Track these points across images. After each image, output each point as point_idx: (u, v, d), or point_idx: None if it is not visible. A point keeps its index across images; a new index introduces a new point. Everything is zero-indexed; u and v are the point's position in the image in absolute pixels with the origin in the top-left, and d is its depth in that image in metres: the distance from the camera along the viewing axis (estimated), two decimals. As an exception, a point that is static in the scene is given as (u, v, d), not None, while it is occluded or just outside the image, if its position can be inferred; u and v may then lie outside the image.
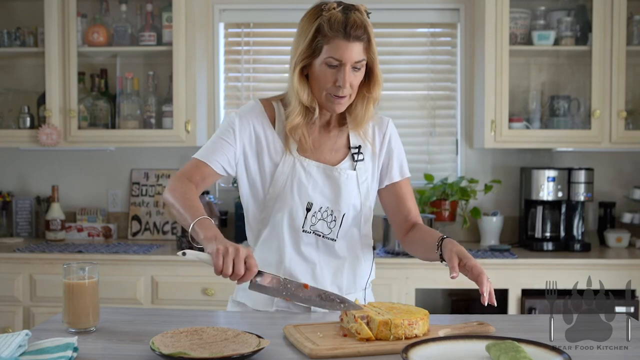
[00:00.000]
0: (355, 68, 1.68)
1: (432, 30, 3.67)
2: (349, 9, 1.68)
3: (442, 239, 1.73)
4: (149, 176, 3.70)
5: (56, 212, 3.52)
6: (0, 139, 3.46)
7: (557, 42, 3.36)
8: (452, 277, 1.63)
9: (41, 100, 3.46)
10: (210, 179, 1.79)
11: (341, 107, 1.74)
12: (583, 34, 3.37)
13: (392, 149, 1.86)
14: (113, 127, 3.49)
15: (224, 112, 3.70)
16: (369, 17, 1.70)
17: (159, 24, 3.44)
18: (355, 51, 1.66)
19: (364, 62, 1.69)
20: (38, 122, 3.48)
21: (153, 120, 3.46)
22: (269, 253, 1.80)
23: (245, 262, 1.48)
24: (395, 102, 3.69)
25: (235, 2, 3.67)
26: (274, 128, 1.79)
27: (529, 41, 3.39)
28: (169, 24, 3.38)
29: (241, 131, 1.77)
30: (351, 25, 1.64)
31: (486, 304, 1.58)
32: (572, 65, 3.49)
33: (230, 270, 1.47)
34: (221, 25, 3.69)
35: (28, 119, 3.48)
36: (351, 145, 1.82)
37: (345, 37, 1.64)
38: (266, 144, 1.78)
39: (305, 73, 1.73)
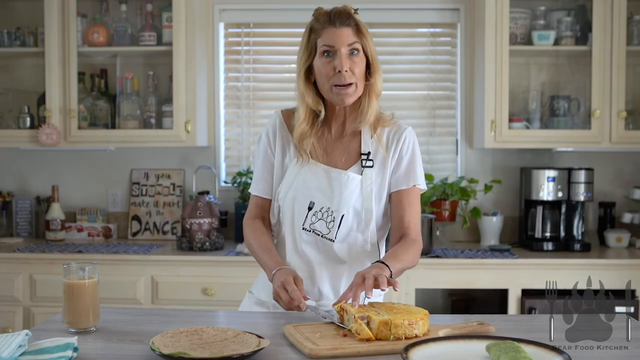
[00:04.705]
0: (351, 52, 1.75)
1: (432, 30, 3.67)
2: (335, 7, 1.80)
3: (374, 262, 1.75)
4: (149, 176, 3.70)
5: (56, 212, 3.52)
6: (0, 139, 3.46)
7: (557, 42, 3.36)
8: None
9: (41, 100, 3.46)
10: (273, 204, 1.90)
11: (348, 97, 1.77)
12: (583, 34, 3.37)
13: (402, 156, 1.85)
14: (113, 127, 3.49)
15: (224, 112, 3.70)
16: (357, 13, 1.80)
17: (159, 24, 3.44)
18: (344, 35, 1.75)
19: (358, 46, 1.76)
20: (38, 122, 3.48)
21: (153, 120, 3.46)
22: (280, 251, 1.87)
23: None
24: (395, 102, 3.68)
25: (235, 2, 3.67)
26: (292, 136, 1.87)
27: (529, 41, 3.39)
28: (169, 24, 3.38)
29: (273, 148, 1.88)
30: (334, 14, 1.77)
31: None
32: (572, 65, 3.49)
33: (290, 306, 1.65)
34: (221, 25, 3.69)
35: (28, 119, 3.48)
36: (362, 152, 1.84)
37: (332, 24, 1.76)
38: (288, 152, 1.87)
39: (313, 80, 1.81)
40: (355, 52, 1.75)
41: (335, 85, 1.75)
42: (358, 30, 1.76)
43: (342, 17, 1.75)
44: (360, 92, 1.80)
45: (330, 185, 1.81)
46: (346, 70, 1.73)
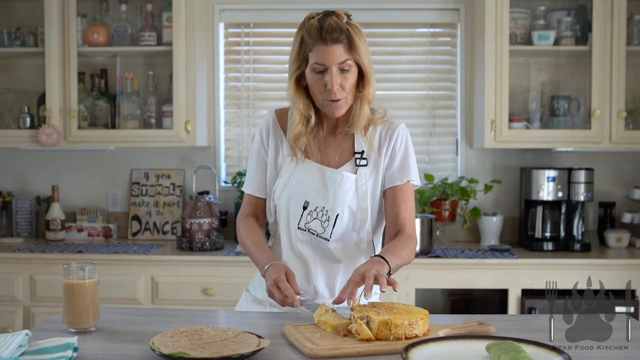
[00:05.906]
0: (342, 70, 1.73)
1: (432, 30, 3.67)
2: (327, 15, 1.75)
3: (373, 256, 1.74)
4: (149, 176, 3.70)
5: (56, 212, 3.52)
6: (0, 139, 3.46)
7: (557, 42, 3.36)
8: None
9: (41, 100, 3.46)
10: (267, 202, 1.91)
11: (339, 110, 1.78)
12: (583, 34, 3.37)
13: (395, 152, 1.85)
14: (113, 127, 3.49)
15: (224, 112, 3.70)
16: (350, 19, 1.75)
17: (159, 24, 3.44)
18: (336, 53, 1.72)
19: (350, 62, 1.74)
20: (38, 122, 3.48)
21: (153, 120, 3.46)
22: (276, 249, 1.87)
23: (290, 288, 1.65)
24: (395, 102, 3.69)
25: (235, 2, 3.67)
26: (285, 135, 1.87)
27: (529, 41, 3.39)
28: (169, 24, 3.38)
29: (266, 147, 1.89)
30: (326, 30, 1.71)
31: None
32: (572, 65, 3.49)
33: (284, 303, 1.65)
34: (221, 25, 3.69)
35: (28, 119, 3.47)
36: (355, 150, 1.84)
37: (323, 42, 1.71)
38: (281, 150, 1.87)
39: (304, 84, 1.81)
40: (347, 67, 1.73)
41: (326, 99, 1.76)
42: (350, 45, 1.72)
43: (333, 33, 1.70)
44: (351, 102, 1.79)
45: (324, 185, 1.81)
46: (337, 88, 1.73)
